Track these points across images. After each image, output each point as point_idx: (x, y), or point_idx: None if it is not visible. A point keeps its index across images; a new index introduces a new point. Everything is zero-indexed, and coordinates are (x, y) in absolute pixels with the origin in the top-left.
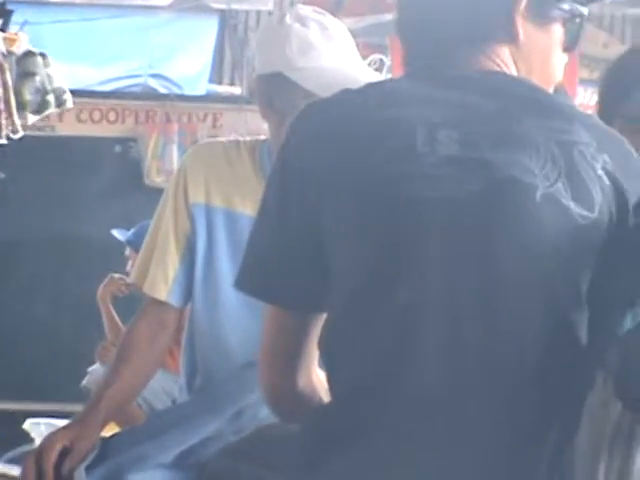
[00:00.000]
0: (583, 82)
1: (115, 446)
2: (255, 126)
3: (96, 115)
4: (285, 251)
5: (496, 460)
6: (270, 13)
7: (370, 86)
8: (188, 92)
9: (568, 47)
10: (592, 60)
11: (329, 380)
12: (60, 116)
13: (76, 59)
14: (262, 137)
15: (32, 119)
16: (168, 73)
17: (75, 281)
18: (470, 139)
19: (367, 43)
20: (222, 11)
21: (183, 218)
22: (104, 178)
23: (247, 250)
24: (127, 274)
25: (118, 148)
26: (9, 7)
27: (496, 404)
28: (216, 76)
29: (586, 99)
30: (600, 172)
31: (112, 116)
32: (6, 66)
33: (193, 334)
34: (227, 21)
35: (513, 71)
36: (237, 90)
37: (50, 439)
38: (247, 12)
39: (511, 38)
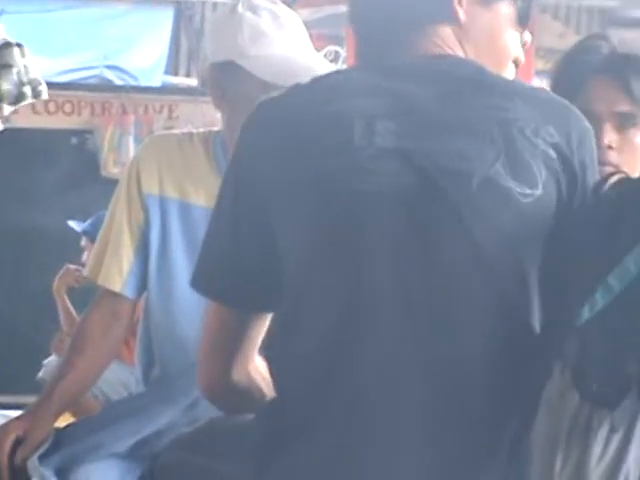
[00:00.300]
0: (539, 73)
1: (69, 436)
2: (211, 117)
3: (52, 107)
4: (235, 251)
5: (448, 452)
6: (226, 4)
7: (318, 80)
8: (144, 84)
9: (520, 24)
10: (548, 51)
11: (275, 375)
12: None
13: (31, 50)
14: (215, 128)
15: (8, 110)
16: (124, 64)
17: (32, 272)
18: (407, 130)
19: (323, 34)
20: (178, 2)
21: (137, 209)
22: (60, 170)
23: (202, 249)
24: (83, 265)
25: (74, 140)
26: None
27: (446, 396)
28: (172, 67)
29: None
30: (543, 147)
31: (68, 108)
32: None
33: (149, 325)
34: (183, 12)
35: (459, 53)
36: (193, 81)
37: (3, 430)
38: (203, 3)
39: (452, 20)
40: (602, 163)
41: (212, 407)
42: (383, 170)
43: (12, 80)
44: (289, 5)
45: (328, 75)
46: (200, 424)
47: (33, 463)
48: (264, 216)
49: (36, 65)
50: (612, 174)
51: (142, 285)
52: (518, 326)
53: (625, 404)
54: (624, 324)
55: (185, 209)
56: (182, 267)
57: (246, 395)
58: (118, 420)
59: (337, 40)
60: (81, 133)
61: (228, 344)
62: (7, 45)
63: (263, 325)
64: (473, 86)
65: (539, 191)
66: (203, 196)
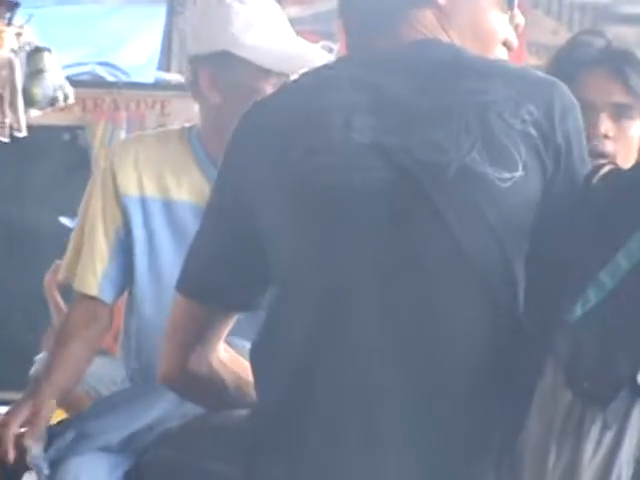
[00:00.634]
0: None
1: (61, 429)
2: None
3: None
4: (221, 252)
5: (437, 453)
6: None
7: (302, 79)
8: (136, 80)
9: (507, 6)
10: (540, 47)
11: (257, 375)
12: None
13: None
14: (187, 124)
15: (35, 113)
16: (116, 61)
17: (24, 269)
18: (385, 124)
19: (315, 30)
20: None
21: (114, 212)
22: (52, 166)
23: (188, 252)
24: None
25: (66, 136)
26: None
27: (432, 396)
28: (164, 64)
29: None
30: (521, 127)
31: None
32: (16, 63)
33: (140, 323)
34: (175, 9)
35: (443, 37)
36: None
37: (5, 420)
38: (195, 0)
39: (432, 3)
40: (598, 153)
41: None
42: (361, 166)
43: (44, 85)
44: (281, 2)
45: (311, 73)
46: (187, 421)
47: (32, 455)
48: (250, 219)
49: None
50: (603, 165)
51: (119, 289)
52: (504, 319)
53: (617, 401)
54: (616, 321)
55: (168, 207)
56: (171, 264)
57: (206, 385)
58: (109, 411)
59: (329, 36)
60: (73, 129)
61: (193, 335)
62: (38, 50)
63: (232, 319)
64: (450, 71)
65: (519, 173)
66: (186, 191)
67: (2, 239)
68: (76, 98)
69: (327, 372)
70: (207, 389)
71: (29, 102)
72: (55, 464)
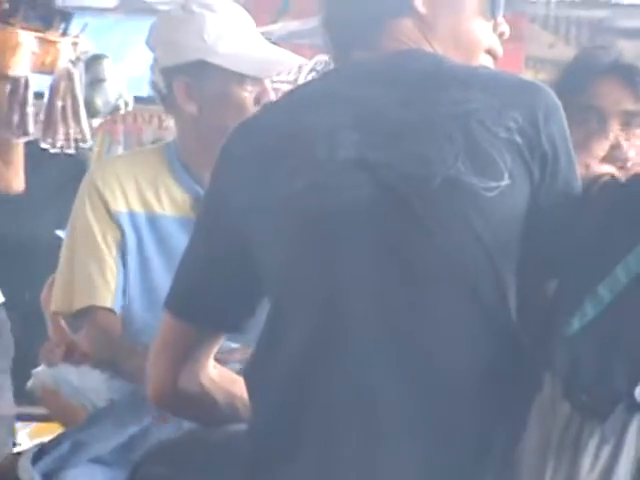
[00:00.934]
0: None
1: (55, 441)
2: None
3: (41, 115)
4: (210, 273)
5: (435, 467)
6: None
7: (285, 97)
8: (133, 93)
9: (491, 14)
10: (537, 61)
11: (252, 394)
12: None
13: None
14: (162, 142)
15: (96, 123)
16: None
17: (21, 282)
18: (367, 139)
19: (313, 44)
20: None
21: (111, 228)
22: (50, 178)
23: (177, 269)
24: None
25: None
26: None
27: (431, 410)
28: None
29: None
30: (505, 135)
31: None
32: (75, 73)
33: (131, 337)
34: None
35: (425, 46)
36: None
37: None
38: None
39: (412, 13)
40: (607, 159)
41: None
42: (347, 183)
43: (105, 94)
44: (279, 16)
45: (294, 90)
46: (180, 436)
47: (24, 465)
48: (239, 239)
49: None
50: (601, 176)
51: (123, 300)
52: (497, 330)
53: (615, 415)
54: (613, 335)
55: (153, 221)
56: (161, 278)
57: (197, 402)
58: (100, 422)
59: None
60: None
61: (182, 353)
62: (97, 58)
63: (221, 337)
64: (432, 82)
65: (505, 181)
66: (168, 206)
67: None
68: None
69: (323, 387)
70: (198, 406)
71: (91, 112)
72: (49, 476)
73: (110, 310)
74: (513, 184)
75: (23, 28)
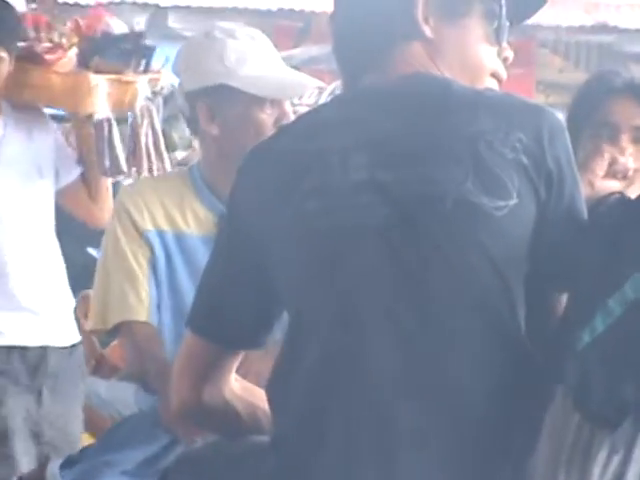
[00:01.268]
0: None
1: (84, 453)
2: None
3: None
4: (230, 294)
5: (451, 476)
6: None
7: (299, 120)
8: None
9: (496, 40)
10: (548, 86)
11: (273, 409)
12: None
13: None
14: (185, 167)
15: (181, 155)
16: None
17: None
18: (379, 161)
19: (332, 69)
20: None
21: (141, 245)
22: None
23: (197, 289)
24: None
25: None
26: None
27: (444, 425)
28: None
29: None
30: (512, 155)
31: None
32: (153, 109)
33: None
34: None
35: (432, 69)
36: None
37: None
38: None
39: (420, 36)
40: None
41: None
42: (360, 204)
43: (182, 128)
44: (301, 41)
45: (307, 114)
46: (204, 446)
47: (52, 471)
48: (256, 259)
49: None
50: (611, 194)
51: (157, 315)
52: (511, 346)
53: (624, 427)
54: (622, 349)
55: (180, 239)
56: (188, 294)
57: (221, 416)
58: (128, 437)
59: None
60: None
61: (204, 369)
62: (174, 93)
63: (241, 353)
64: (440, 104)
65: (513, 200)
66: (193, 224)
67: None
68: None
69: (341, 401)
70: (221, 419)
71: (169, 146)
72: None
73: (146, 323)
74: (521, 203)
75: (98, 71)
